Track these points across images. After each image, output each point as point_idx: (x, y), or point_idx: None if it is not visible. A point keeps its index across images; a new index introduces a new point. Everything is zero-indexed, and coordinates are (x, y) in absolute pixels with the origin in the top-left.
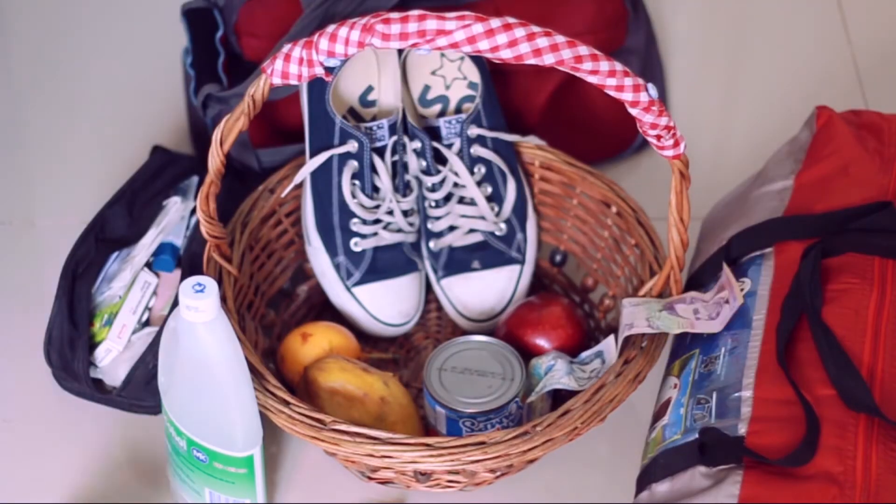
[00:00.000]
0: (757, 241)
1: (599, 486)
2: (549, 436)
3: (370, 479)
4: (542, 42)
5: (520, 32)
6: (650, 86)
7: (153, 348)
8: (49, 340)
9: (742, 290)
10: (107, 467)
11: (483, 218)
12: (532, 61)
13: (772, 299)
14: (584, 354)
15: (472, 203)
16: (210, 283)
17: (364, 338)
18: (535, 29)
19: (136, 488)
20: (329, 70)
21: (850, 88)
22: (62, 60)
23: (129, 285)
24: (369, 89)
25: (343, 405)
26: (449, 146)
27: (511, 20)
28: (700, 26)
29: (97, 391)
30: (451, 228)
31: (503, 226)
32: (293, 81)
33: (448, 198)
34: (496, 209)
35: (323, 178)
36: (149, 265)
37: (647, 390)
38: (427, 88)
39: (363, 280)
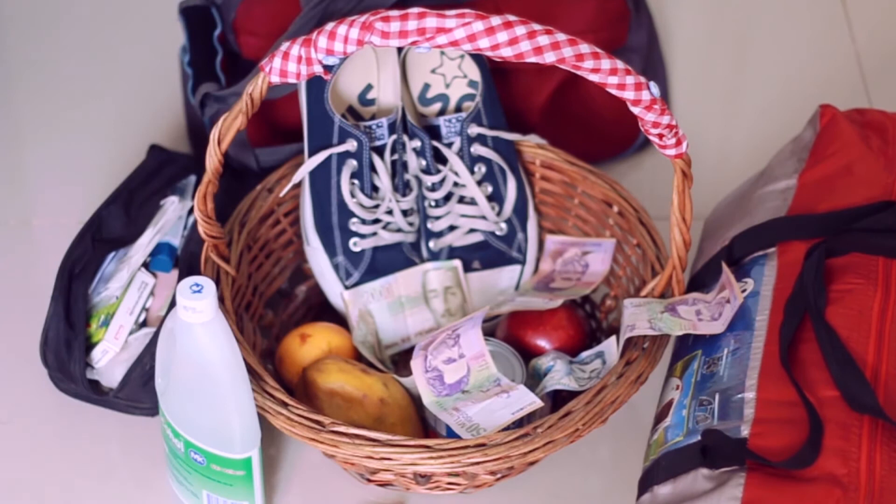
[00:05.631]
0: (760, 241)
1: (601, 489)
2: (550, 437)
3: (369, 481)
4: (543, 40)
5: (520, 30)
6: (652, 84)
7: (150, 349)
8: (45, 341)
9: (744, 290)
10: (104, 469)
11: (483, 217)
12: (533, 59)
13: (775, 300)
14: (584, 354)
15: (473, 203)
16: (208, 284)
17: None
18: (536, 27)
19: (134, 490)
20: (328, 68)
21: (854, 87)
22: (59, 59)
23: (126, 286)
24: (368, 88)
25: (342, 406)
26: (449, 145)
27: (512, 18)
28: (702, 24)
29: (94, 392)
30: (452, 228)
31: (504, 225)
32: (292, 80)
33: (448, 197)
34: (497, 209)
35: (322, 178)
36: (146, 265)
37: (649, 392)
38: (427, 87)
39: (362, 280)
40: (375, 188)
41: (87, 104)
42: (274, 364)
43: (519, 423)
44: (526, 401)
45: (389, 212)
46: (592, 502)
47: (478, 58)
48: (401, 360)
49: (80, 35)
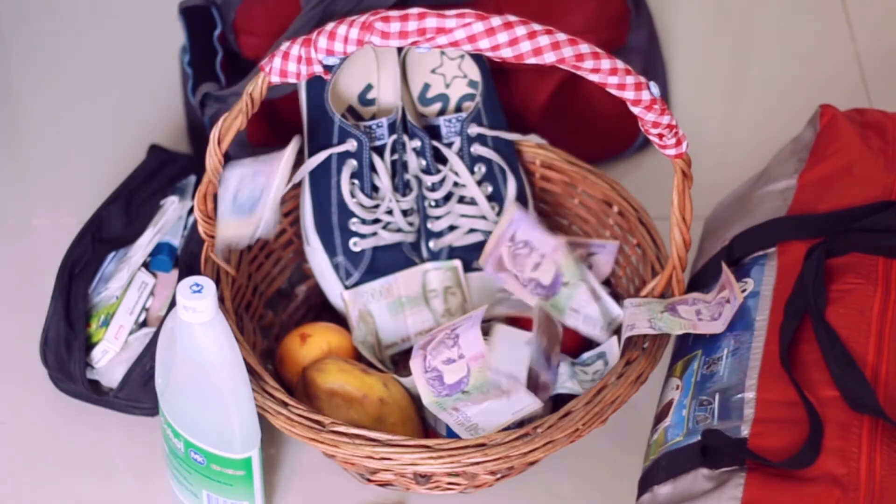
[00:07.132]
0: (760, 241)
1: (601, 489)
2: (550, 437)
3: (369, 481)
4: (543, 40)
5: (521, 31)
6: (652, 84)
7: (150, 349)
8: (45, 341)
9: (744, 290)
10: (104, 469)
11: (483, 217)
12: (533, 60)
13: (775, 300)
14: (587, 355)
15: (473, 202)
16: (208, 284)
17: None
18: (536, 27)
19: (134, 490)
20: (328, 68)
21: (854, 86)
22: (59, 59)
23: (126, 286)
24: (368, 88)
25: (342, 406)
26: (449, 145)
27: (512, 18)
28: (703, 24)
29: (94, 392)
30: (452, 228)
31: None
32: (292, 80)
33: (448, 197)
34: (497, 209)
35: (322, 178)
36: (146, 265)
37: (649, 391)
38: (427, 87)
39: (362, 280)
40: (375, 188)
41: (87, 104)
42: (274, 364)
43: (519, 423)
44: (525, 402)
45: (389, 212)
46: (592, 502)
47: (478, 58)
48: (401, 360)
49: (79, 35)
